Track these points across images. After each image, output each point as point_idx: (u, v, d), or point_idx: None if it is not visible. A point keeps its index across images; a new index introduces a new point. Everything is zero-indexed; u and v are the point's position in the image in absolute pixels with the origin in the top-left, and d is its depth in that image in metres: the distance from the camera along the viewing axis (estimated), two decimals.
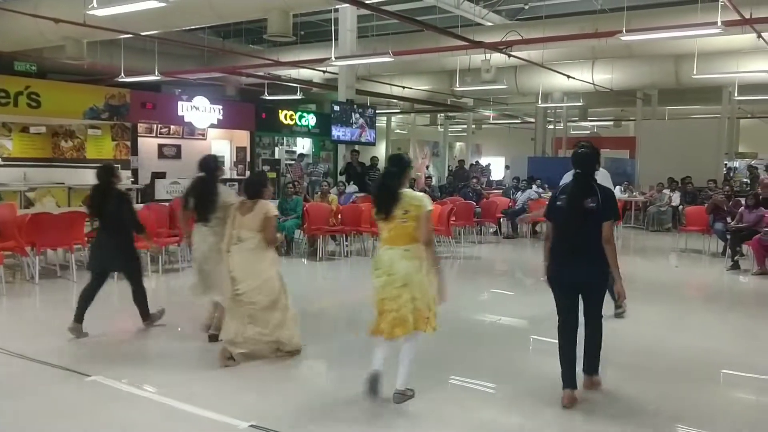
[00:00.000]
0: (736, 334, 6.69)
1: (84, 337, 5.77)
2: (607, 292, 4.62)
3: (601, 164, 4.61)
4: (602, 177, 4.95)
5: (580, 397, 4.45)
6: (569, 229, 4.40)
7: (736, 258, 9.87)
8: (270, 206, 5.19)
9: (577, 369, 4.50)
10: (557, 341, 4.48)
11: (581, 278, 4.41)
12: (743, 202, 10.48)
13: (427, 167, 27.94)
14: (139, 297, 6.15)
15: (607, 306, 4.86)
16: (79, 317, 5.80)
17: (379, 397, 4.35)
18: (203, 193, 5.82)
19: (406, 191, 4.33)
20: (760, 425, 4.31)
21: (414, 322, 4.28)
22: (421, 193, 4.52)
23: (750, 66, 15.07)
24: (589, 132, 32.91)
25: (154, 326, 6.21)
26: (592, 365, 4.66)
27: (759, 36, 11.21)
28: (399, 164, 4.42)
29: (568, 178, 4.69)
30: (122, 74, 14.33)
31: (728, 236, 10.21)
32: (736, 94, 18.04)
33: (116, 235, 5.98)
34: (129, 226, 6.07)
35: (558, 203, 4.49)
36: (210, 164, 6.00)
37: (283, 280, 5.34)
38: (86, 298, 5.88)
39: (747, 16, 9.99)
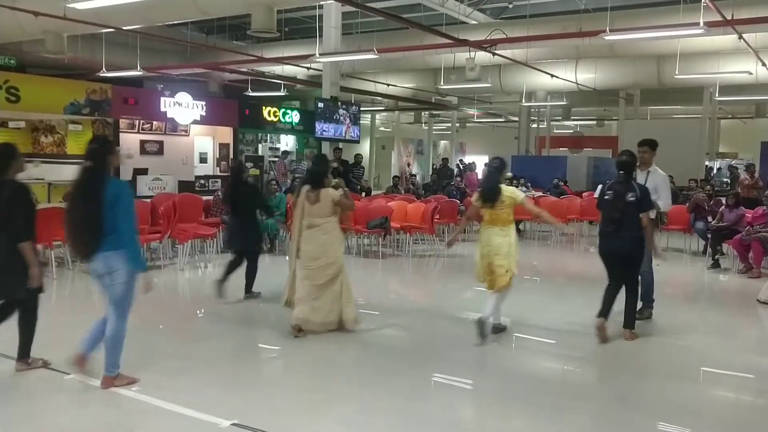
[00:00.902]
0: (715, 332, 6.75)
1: (223, 298, 6.92)
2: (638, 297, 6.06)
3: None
4: (662, 179, 6.50)
5: (609, 330, 5.86)
6: (614, 215, 5.78)
7: (716, 257, 9.97)
8: (332, 192, 5.91)
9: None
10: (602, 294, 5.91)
11: (623, 251, 5.80)
12: (724, 201, 10.59)
13: (408, 165, 27.95)
14: (251, 273, 7.25)
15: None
16: (223, 279, 7.01)
17: (487, 338, 5.72)
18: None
19: (504, 186, 5.86)
20: (739, 422, 4.35)
21: (503, 279, 5.80)
22: (513, 188, 6.24)
23: (731, 67, 15.23)
24: (572, 131, 33.13)
25: (249, 298, 7.20)
26: (629, 321, 5.95)
27: (740, 37, 11.34)
28: (499, 165, 6.00)
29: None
30: (104, 69, 14.17)
31: (709, 235, 10.31)
32: (717, 95, 18.22)
33: (247, 220, 7.26)
34: (256, 212, 7.46)
35: (606, 197, 5.94)
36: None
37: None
38: (231, 269, 7.12)
39: (729, 18, 10.09)
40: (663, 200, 6.41)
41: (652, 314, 6.70)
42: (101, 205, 4.23)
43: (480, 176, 17.34)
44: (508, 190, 5.86)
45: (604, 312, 5.86)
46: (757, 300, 7.57)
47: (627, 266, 5.86)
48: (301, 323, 5.81)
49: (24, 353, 4.82)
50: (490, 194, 5.79)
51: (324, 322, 5.89)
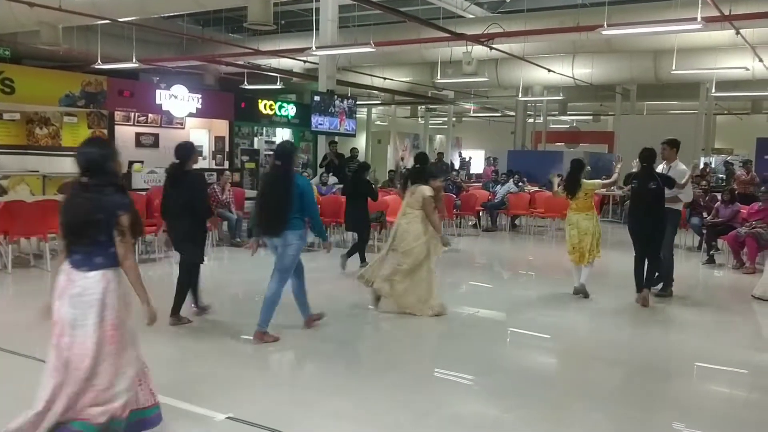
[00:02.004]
0: (710, 327, 6.77)
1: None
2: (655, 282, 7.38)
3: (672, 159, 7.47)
4: (680, 172, 7.36)
5: (649, 299, 7.10)
6: (641, 200, 7.10)
7: (711, 252, 10.00)
8: (425, 190, 6.50)
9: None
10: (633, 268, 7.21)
11: (647, 230, 7.08)
12: (719, 197, 10.61)
13: (402, 159, 27.89)
14: (360, 248, 8.88)
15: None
16: (347, 257, 8.82)
17: (588, 296, 7.35)
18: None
19: (584, 180, 7.33)
20: (733, 417, 4.36)
21: (588, 255, 7.33)
22: (591, 180, 7.51)
23: (727, 62, 15.24)
24: (568, 126, 33.14)
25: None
26: (648, 284, 7.22)
27: (737, 33, 11.32)
28: (578, 165, 7.46)
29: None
30: (99, 61, 14.09)
31: (704, 231, 10.34)
32: (713, 91, 18.23)
33: (360, 208, 9.07)
34: (367, 202, 9.17)
35: (632, 185, 7.21)
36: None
37: (431, 251, 6.57)
38: (355, 250, 8.90)
39: (727, 13, 10.09)
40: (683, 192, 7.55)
41: (672, 292, 7.66)
42: (291, 196, 5.39)
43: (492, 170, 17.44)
44: (588, 183, 7.37)
45: (640, 285, 7.16)
46: (752, 295, 7.59)
47: (650, 242, 7.09)
48: (380, 293, 6.65)
49: (176, 310, 5.95)
50: (573, 188, 7.34)
51: (399, 303, 6.56)
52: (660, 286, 7.63)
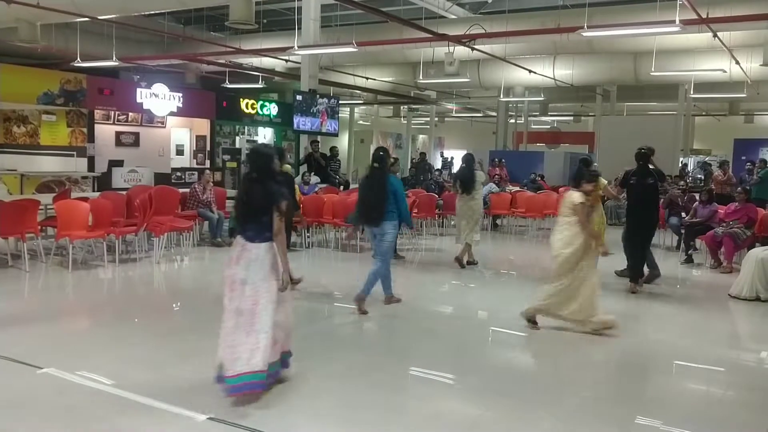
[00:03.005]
0: (688, 326, 6.86)
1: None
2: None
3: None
4: None
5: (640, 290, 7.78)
6: (639, 195, 7.72)
7: (689, 252, 10.12)
8: (575, 197, 6.09)
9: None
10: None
11: (642, 222, 7.74)
12: (697, 197, 10.74)
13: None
14: None
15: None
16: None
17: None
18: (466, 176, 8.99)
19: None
20: (709, 414, 4.42)
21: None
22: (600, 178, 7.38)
23: (705, 65, 15.45)
24: (549, 126, 33.36)
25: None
26: (634, 274, 7.87)
27: (715, 35, 11.49)
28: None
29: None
30: (78, 59, 13.95)
31: (682, 231, 10.46)
32: (692, 92, 18.46)
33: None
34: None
35: (631, 181, 7.76)
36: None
37: (587, 262, 6.02)
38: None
39: (704, 16, 10.22)
40: None
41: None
42: (387, 193, 6.49)
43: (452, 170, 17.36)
44: (601, 181, 7.55)
45: (633, 275, 7.86)
46: (729, 294, 7.70)
47: (644, 233, 7.79)
48: (534, 312, 6.17)
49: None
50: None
51: (556, 314, 6.09)
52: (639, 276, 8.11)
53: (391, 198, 6.51)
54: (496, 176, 15.39)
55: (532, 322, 6.15)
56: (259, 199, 4.26)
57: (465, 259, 9.13)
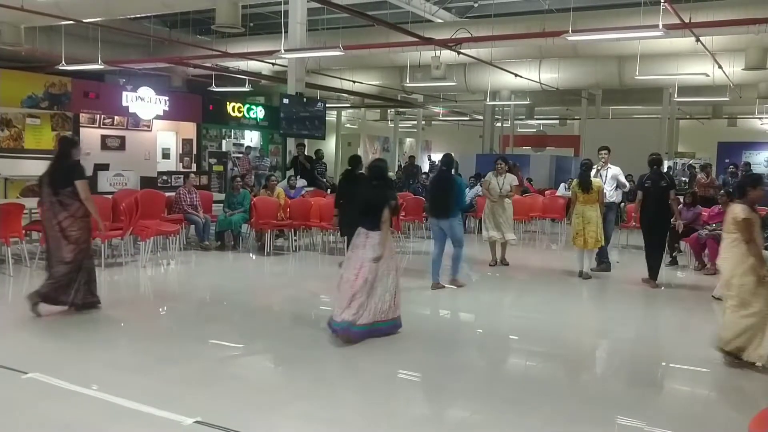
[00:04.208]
0: (673, 327, 6.92)
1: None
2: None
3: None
4: (618, 170, 9.10)
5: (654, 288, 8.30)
6: (654, 197, 8.25)
7: (674, 254, 10.21)
8: (736, 210, 5.20)
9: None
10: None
11: (656, 222, 8.32)
12: (681, 200, 10.84)
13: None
14: None
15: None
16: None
17: (590, 277, 8.69)
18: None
19: (593, 179, 8.59)
20: (693, 415, 4.47)
21: (593, 242, 8.52)
22: (597, 179, 8.69)
23: (689, 68, 15.60)
24: (535, 130, 33.52)
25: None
26: (656, 273, 8.41)
27: (697, 40, 11.62)
28: (589, 164, 8.76)
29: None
30: (63, 62, 13.86)
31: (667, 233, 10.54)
32: (675, 96, 18.63)
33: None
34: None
35: (646, 185, 8.35)
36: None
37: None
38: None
39: (687, 21, 10.34)
40: (626, 185, 9.41)
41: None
42: (454, 191, 7.83)
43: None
44: (596, 181, 8.57)
45: (653, 271, 8.37)
46: (713, 296, 7.77)
47: (659, 233, 8.38)
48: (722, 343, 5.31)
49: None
50: (586, 185, 8.49)
51: (730, 346, 5.23)
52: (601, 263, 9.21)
53: (456, 195, 7.81)
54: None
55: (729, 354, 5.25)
56: (380, 200, 5.66)
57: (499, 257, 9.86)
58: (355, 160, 9.09)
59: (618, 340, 6.22)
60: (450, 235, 7.89)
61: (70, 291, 6.11)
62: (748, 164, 15.19)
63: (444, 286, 7.82)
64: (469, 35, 13.33)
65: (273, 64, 16.88)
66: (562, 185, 15.69)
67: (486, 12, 16.02)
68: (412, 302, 7.29)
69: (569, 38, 10.49)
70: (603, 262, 9.26)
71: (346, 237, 8.75)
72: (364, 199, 5.83)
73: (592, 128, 22.00)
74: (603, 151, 9.18)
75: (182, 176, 15.02)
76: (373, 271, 5.55)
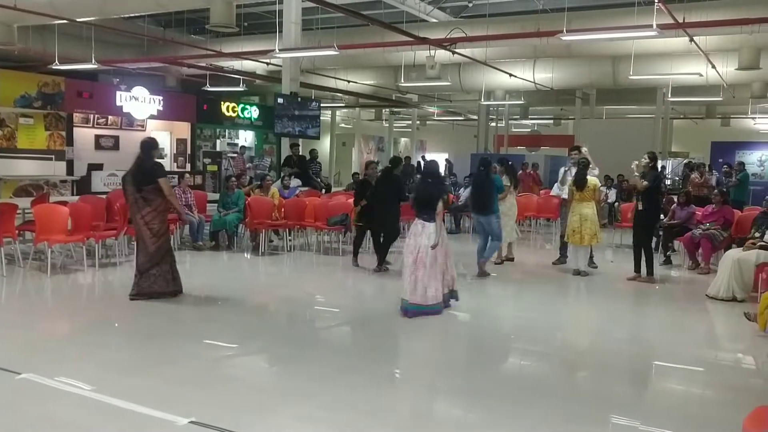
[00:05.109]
0: (666, 326, 6.94)
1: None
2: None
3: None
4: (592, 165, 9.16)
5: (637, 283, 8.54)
6: (643, 195, 8.50)
7: (668, 253, 10.24)
8: None
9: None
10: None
11: (649, 219, 8.66)
12: (675, 199, 10.87)
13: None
14: (385, 248, 9.12)
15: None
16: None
17: (587, 275, 8.86)
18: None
19: (589, 177, 8.73)
20: (688, 414, 4.48)
21: (588, 239, 8.70)
22: (592, 177, 8.85)
23: (683, 68, 15.64)
24: (530, 129, 33.59)
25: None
26: (649, 270, 8.66)
27: (691, 40, 11.65)
28: (586, 163, 8.86)
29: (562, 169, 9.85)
30: (56, 62, 13.81)
31: (661, 232, 10.57)
32: (669, 96, 18.68)
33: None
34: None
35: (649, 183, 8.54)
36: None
37: None
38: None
39: (681, 21, 10.37)
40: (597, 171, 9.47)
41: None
42: (492, 189, 8.69)
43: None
44: (591, 180, 8.78)
45: (637, 268, 8.70)
46: (706, 295, 7.80)
47: (649, 229, 8.83)
48: None
49: (381, 261, 8.87)
50: (581, 183, 8.71)
51: None
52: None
53: (493, 194, 8.62)
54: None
55: None
56: (436, 195, 6.45)
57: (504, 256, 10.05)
58: (396, 162, 9.25)
59: (612, 340, 6.23)
60: (488, 230, 8.64)
61: (161, 282, 6.82)
62: (742, 164, 15.24)
63: (489, 274, 8.64)
64: (464, 35, 13.34)
65: (267, 63, 16.86)
66: (555, 185, 15.70)
67: (480, 12, 16.03)
68: None
69: (563, 38, 10.51)
70: (563, 255, 9.73)
71: (368, 231, 9.41)
72: (421, 193, 6.62)
73: (587, 128, 22.05)
74: (574, 152, 9.41)
75: (176, 176, 15.03)
76: (432, 255, 6.37)
